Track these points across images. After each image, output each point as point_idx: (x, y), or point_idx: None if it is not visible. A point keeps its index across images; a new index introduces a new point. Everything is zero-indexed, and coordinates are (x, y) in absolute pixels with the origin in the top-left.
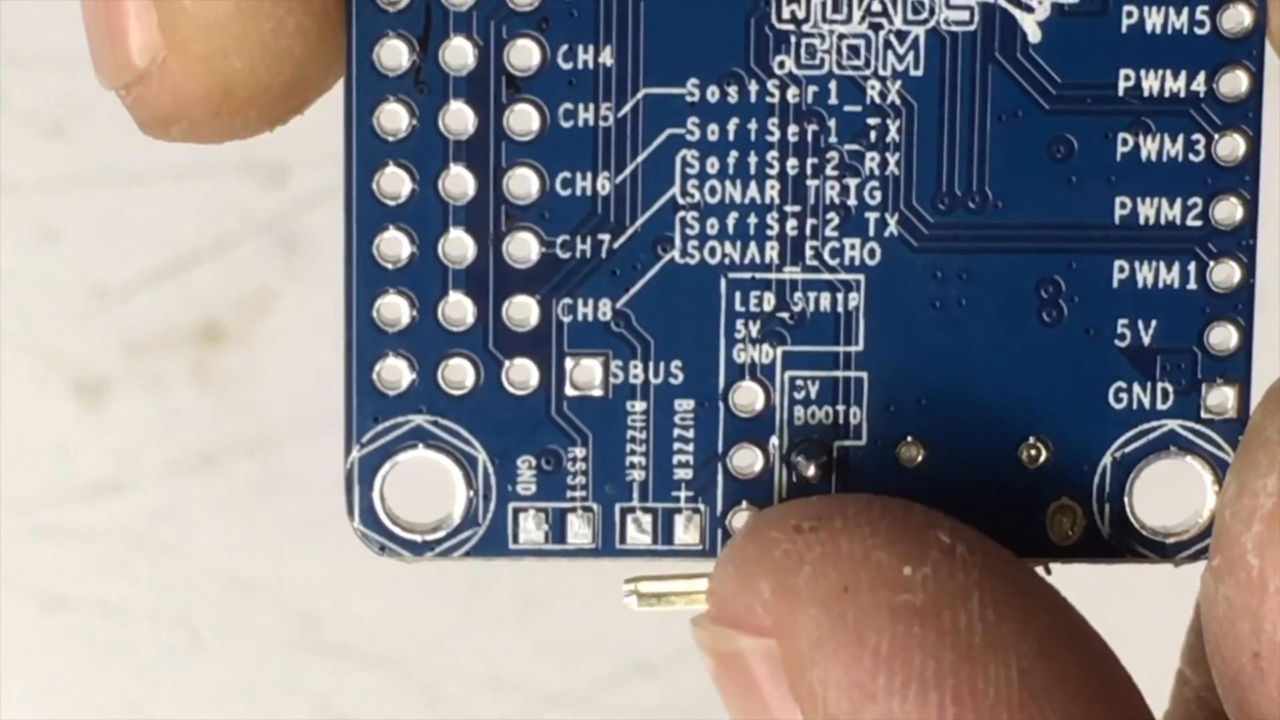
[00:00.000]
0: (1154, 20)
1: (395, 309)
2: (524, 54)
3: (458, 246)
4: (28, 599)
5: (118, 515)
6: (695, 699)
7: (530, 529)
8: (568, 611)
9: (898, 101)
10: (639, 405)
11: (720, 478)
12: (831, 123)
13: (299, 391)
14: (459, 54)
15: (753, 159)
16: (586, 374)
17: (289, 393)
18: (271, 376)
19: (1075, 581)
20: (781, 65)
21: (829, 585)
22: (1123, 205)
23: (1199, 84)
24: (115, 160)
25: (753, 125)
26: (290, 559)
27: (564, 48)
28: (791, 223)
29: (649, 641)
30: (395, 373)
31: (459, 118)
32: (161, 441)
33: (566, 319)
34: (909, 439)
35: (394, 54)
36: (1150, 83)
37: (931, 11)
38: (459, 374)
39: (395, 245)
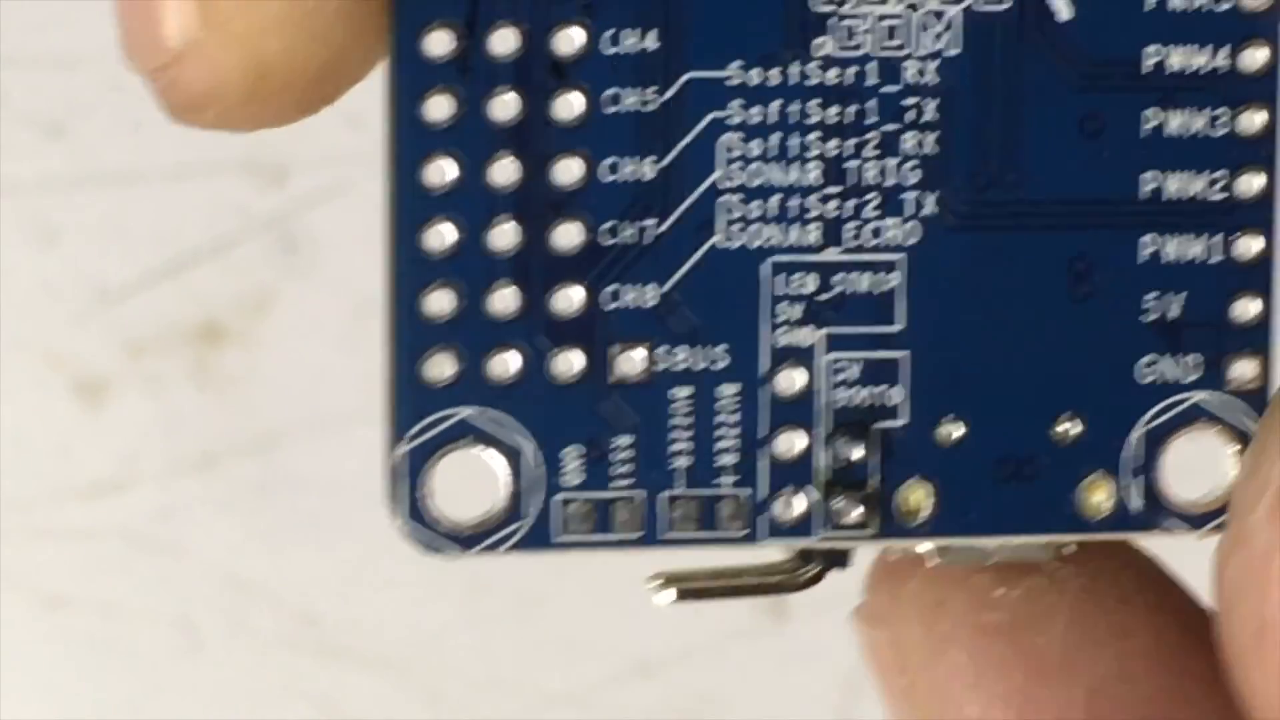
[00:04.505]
0: None
1: (440, 302)
2: (569, 40)
3: (503, 236)
4: (28, 599)
5: (118, 515)
6: (695, 699)
7: (575, 520)
8: (568, 611)
9: (935, 81)
10: (683, 391)
11: (763, 463)
12: (870, 104)
13: (299, 391)
14: (505, 41)
15: (794, 141)
16: (631, 361)
17: (289, 393)
18: (271, 376)
19: None
20: (821, 47)
21: (928, 598)
22: (1149, 181)
23: (1222, 59)
24: (115, 160)
25: (794, 108)
26: (290, 559)
27: (609, 32)
28: (832, 204)
29: (649, 641)
30: (440, 366)
31: (504, 106)
32: (161, 441)
33: (612, 306)
34: (948, 418)
35: (440, 43)
36: (1175, 59)
37: None
38: (505, 365)
39: (440, 237)
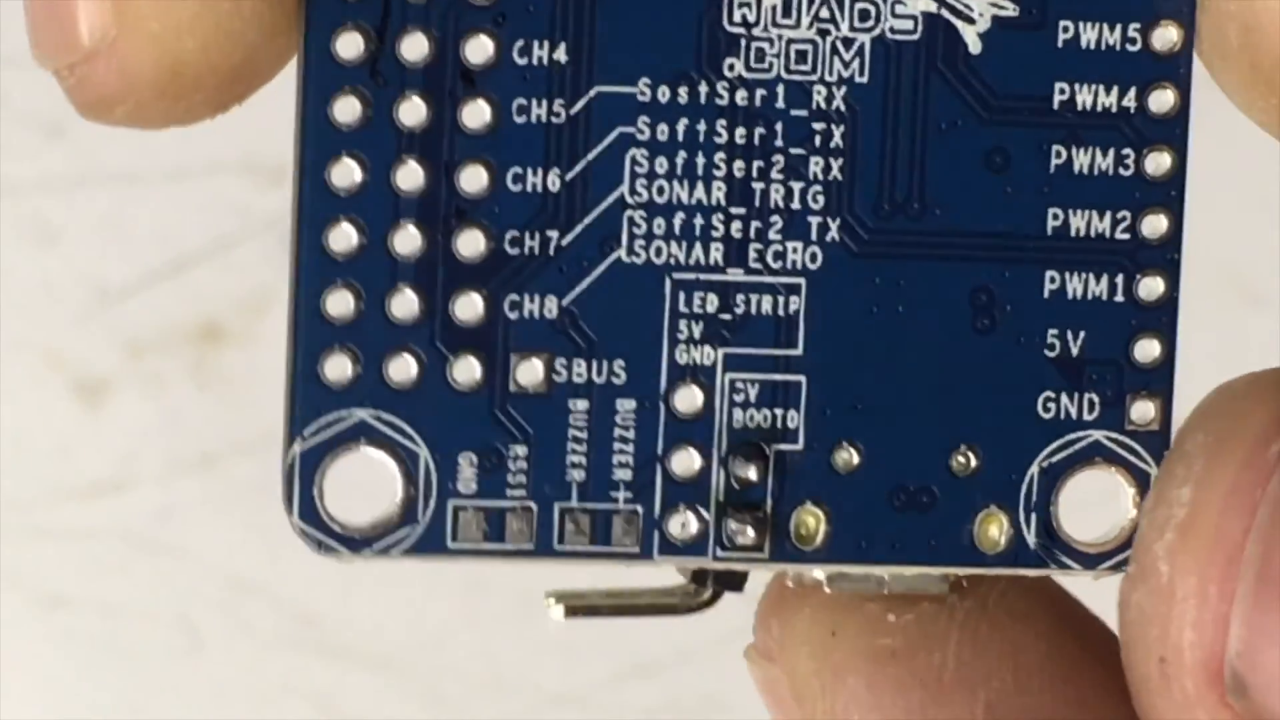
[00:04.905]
0: (1089, 36)
1: (342, 302)
2: (479, 48)
3: (407, 240)
4: (28, 599)
5: (118, 515)
6: (695, 699)
7: (469, 528)
8: None
9: (842, 107)
10: (581, 404)
11: (659, 480)
12: (778, 126)
13: None
14: (415, 47)
15: (700, 160)
16: (530, 372)
17: None
18: (271, 376)
19: None
20: (731, 68)
21: (820, 629)
22: (1055, 216)
23: (1130, 99)
24: (115, 160)
25: (701, 126)
26: (290, 559)
27: (519, 43)
28: (736, 224)
29: (649, 641)
30: (339, 367)
31: (413, 111)
32: (161, 441)
33: (513, 315)
34: (844, 444)
35: (350, 45)
36: (1084, 97)
37: (878, 20)
38: (404, 369)
39: (344, 238)
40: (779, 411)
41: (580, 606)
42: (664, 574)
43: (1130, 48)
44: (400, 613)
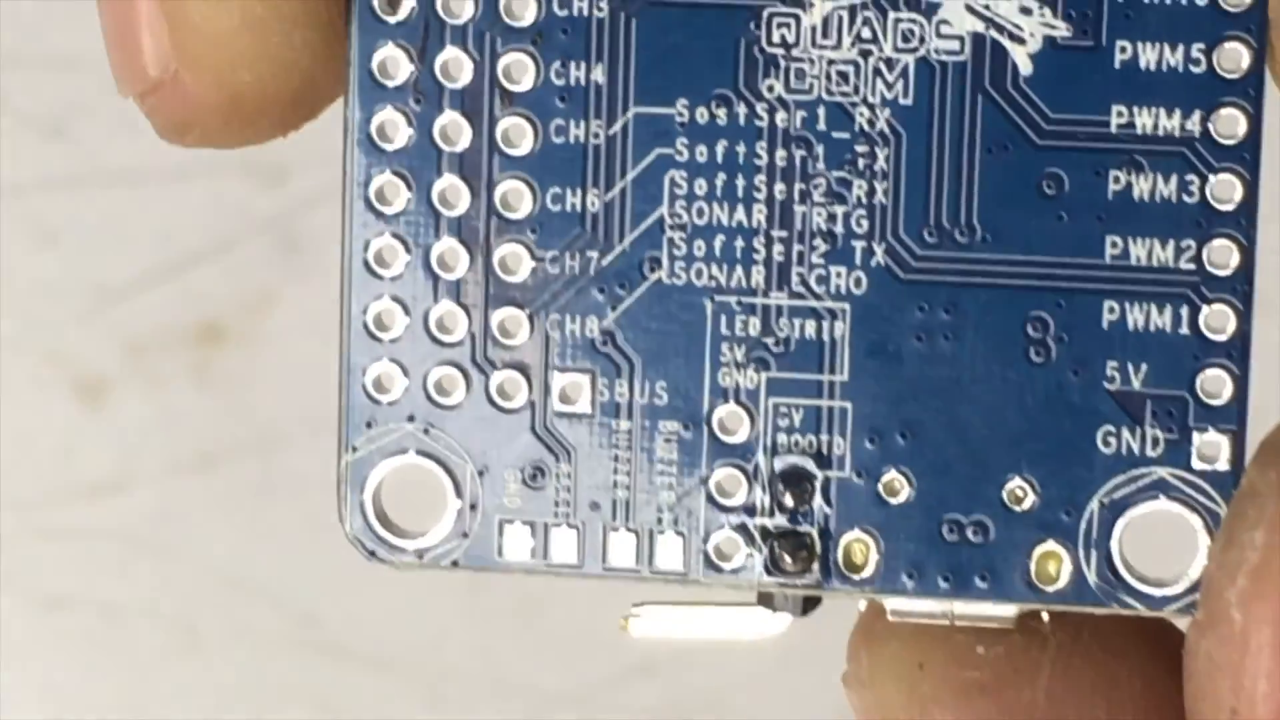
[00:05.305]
0: (1148, 57)
1: (390, 317)
2: (518, 69)
3: (450, 257)
4: (28, 599)
5: (118, 515)
6: (695, 699)
7: (516, 542)
8: (568, 611)
9: (886, 130)
10: (624, 424)
11: (703, 502)
12: (819, 149)
13: (299, 391)
14: (456, 66)
15: (740, 182)
16: (573, 390)
17: (289, 393)
18: (271, 376)
19: None
20: (771, 89)
21: (908, 660)
22: (1114, 245)
23: (1194, 123)
24: (115, 160)
25: (741, 148)
26: (290, 559)
27: (556, 64)
28: (778, 248)
29: (649, 641)
30: (388, 380)
31: (454, 129)
32: (161, 441)
33: (555, 334)
34: (892, 472)
35: (393, 64)
36: (1144, 120)
37: (921, 40)
38: (449, 384)
39: (391, 252)
40: (824, 437)
41: (653, 625)
42: (741, 598)
43: (1194, 69)
44: (400, 613)
